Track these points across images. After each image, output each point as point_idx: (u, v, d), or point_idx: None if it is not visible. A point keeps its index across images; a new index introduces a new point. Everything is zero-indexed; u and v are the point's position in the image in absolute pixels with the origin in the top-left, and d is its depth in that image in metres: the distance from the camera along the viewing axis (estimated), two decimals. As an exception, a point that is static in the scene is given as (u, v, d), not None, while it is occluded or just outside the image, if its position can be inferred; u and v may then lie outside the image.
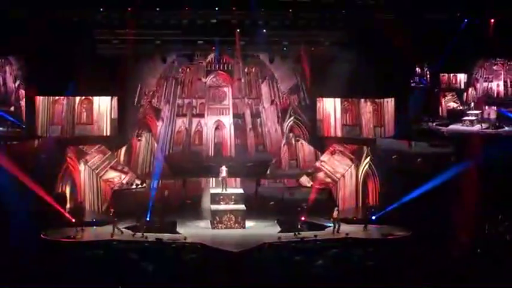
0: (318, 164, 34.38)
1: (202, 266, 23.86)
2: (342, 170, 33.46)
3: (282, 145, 35.65)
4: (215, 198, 30.20)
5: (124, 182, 33.04)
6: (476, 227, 27.05)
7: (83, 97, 33.06)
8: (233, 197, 30.23)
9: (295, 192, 33.26)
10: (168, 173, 34.30)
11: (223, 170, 31.08)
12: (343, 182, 33.07)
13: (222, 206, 29.68)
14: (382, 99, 33.45)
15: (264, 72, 36.29)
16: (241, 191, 31.30)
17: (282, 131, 36.36)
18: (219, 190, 30.73)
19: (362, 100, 33.65)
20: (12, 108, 34.06)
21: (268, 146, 36.52)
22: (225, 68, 36.15)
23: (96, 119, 33.19)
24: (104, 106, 33.36)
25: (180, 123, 36.31)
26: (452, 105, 37.76)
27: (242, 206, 29.71)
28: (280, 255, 24.82)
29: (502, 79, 37.19)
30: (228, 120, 36.49)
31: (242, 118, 36.87)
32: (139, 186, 33.09)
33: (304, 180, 33.83)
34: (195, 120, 36.38)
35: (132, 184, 33.12)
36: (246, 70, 36.35)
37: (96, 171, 32.44)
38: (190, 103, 36.76)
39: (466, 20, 33.23)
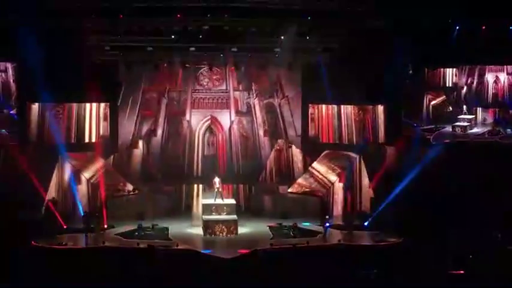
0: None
1: (194, 272, 23.81)
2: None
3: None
4: (207, 209, 29.68)
5: (116, 188, 32.94)
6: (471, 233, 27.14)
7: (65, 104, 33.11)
8: (225, 207, 29.73)
9: (288, 198, 33.30)
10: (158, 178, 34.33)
11: (217, 181, 30.42)
12: (336, 188, 33.03)
13: (214, 217, 29.30)
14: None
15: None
16: (233, 201, 30.78)
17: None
18: (211, 201, 30.11)
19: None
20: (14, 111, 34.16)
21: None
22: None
23: (78, 126, 33.15)
24: (89, 112, 33.37)
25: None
26: (438, 102, 35.80)
27: (234, 217, 29.38)
28: (272, 262, 24.77)
29: (505, 70, 34.16)
30: (227, 117, 33.54)
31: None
32: (131, 192, 33.03)
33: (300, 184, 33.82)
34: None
35: (124, 190, 33.04)
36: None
37: (88, 178, 32.34)
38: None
39: (457, 27, 33.17)
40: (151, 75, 34.04)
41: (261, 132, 34.01)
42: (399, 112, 33.56)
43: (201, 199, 31.83)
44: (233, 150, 34.13)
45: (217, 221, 28.87)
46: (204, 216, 29.35)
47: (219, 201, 29.94)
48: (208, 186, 30.87)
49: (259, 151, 34.05)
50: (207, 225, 28.79)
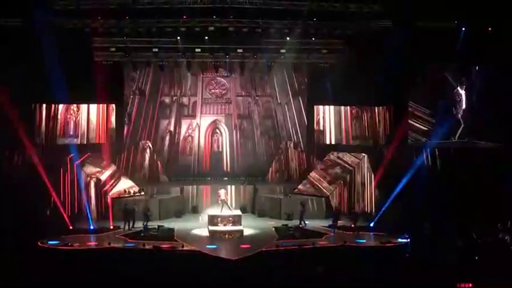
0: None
1: (199, 273, 23.80)
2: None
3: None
4: (213, 220, 29.32)
5: (122, 189, 32.98)
6: (474, 234, 27.10)
7: (72, 105, 33.38)
8: (231, 218, 29.39)
9: (293, 200, 33.23)
10: (165, 179, 34.41)
11: (222, 193, 30.32)
12: (341, 189, 33.13)
13: (220, 228, 28.99)
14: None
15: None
16: (239, 212, 30.57)
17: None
18: (217, 212, 29.84)
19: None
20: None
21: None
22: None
23: (85, 127, 33.41)
24: (94, 113, 33.69)
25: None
26: None
27: (240, 227, 29.10)
28: (277, 263, 24.74)
29: None
30: (229, 122, 34.69)
31: (249, 119, 35.23)
32: (137, 194, 33.07)
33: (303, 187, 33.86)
34: (184, 122, 34.61)
35: (130, 192, 33.08)
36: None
37: (94, 179, 32.40)
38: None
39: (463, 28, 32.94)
40: (159, 79, 34.83)
41: (258, 134, 34.83)
42: (402, 113, 33.56)
43: (208, 201, 31.84)
44: (236, 148, 34.82)
45: (223, 231, 28.60)
46: (210, 227, 29.13)
47: (225, 212, 29.75)
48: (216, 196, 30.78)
49: (261, 153, 34.68)
50: (213, 235, 28.48)
